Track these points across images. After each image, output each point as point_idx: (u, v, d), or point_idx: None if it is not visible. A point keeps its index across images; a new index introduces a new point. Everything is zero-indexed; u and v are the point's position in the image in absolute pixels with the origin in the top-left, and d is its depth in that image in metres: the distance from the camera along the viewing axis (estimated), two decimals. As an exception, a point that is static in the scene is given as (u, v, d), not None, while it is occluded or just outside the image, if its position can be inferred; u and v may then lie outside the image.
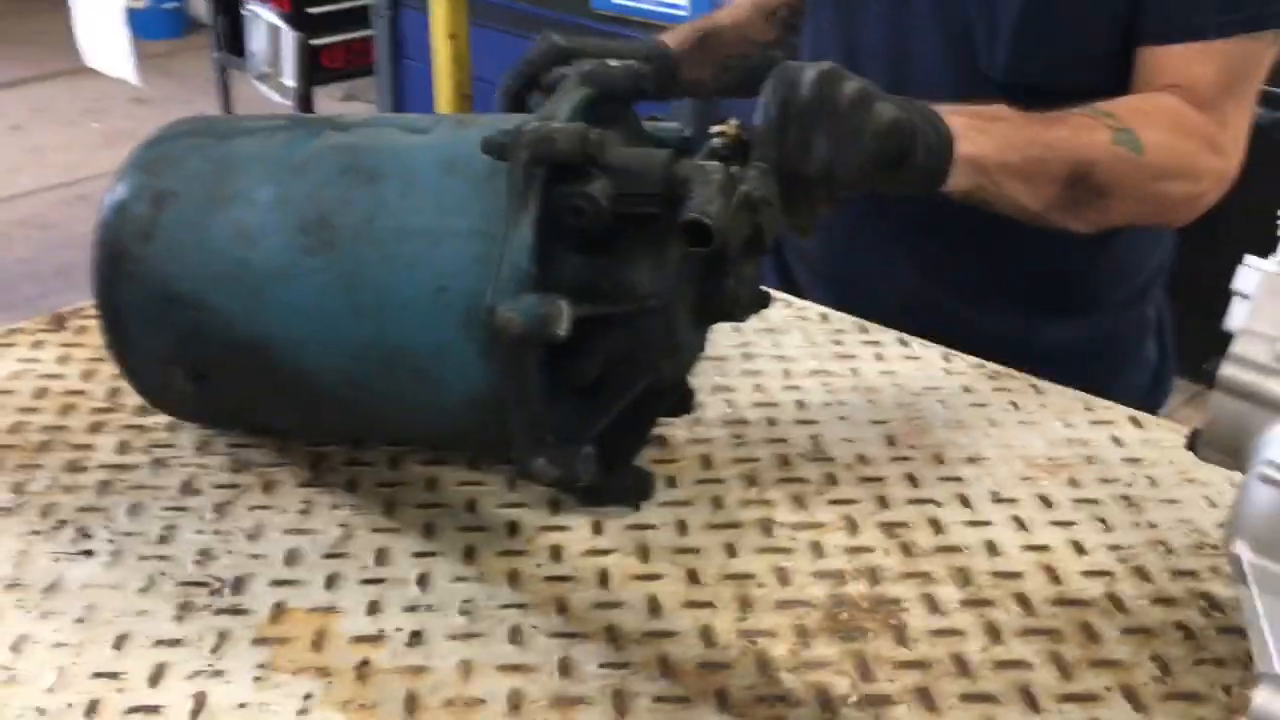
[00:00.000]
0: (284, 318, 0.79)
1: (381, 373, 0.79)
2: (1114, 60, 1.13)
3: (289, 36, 3.67)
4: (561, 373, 0.77)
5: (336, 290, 0.78)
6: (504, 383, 0.74)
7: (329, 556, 0.80)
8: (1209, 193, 1.07)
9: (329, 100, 5.05)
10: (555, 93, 0.80)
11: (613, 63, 0.83)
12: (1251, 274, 0.65)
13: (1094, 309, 1.26)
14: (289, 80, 3.71)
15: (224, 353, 0.82)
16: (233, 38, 3.92)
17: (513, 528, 0.84)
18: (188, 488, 0.87)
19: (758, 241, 0.79)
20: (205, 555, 0.80)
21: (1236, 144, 1.09)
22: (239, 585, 0.77)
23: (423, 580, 0.78)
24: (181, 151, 0.85)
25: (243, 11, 3.81)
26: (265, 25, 3.74)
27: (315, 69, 3.78)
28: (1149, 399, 1.27)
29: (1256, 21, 1.07)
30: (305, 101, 3.78)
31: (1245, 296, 0.65)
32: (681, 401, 0.92)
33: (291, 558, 0.80)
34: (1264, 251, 0.66)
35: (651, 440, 0.92)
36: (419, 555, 0.81)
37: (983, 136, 0.93)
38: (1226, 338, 0.66)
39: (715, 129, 0.84)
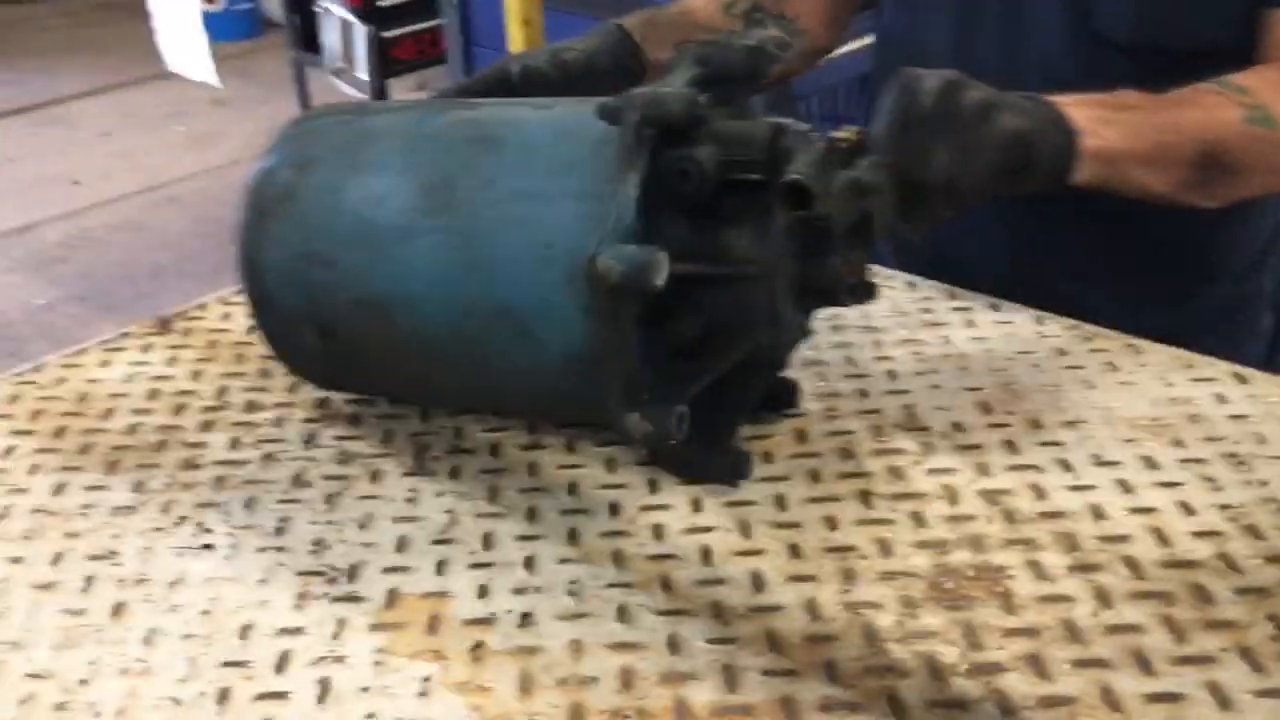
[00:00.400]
0: (403, 275, 0.83)
1: (487, 329, 0.81)
2: (1240, 20, 1.08)
3: (360, 31, 3.72)
4: (660, 331, 0.79)
5: (452, 248, 0.81)
6: (603, 336, 0.76)
7: (437, 543, 0.82)
8: None
9: (402, 92, 5.12)
10: (670, 70, 0.83)
11: (736, 42, 0.84)
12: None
13: (1208, 283, 1.22)
14: (362, 74, 3.77)
15: (350, 309, 0.85)
16: (306, 35, 3.98)
17: (614, 509, 0.85)
18: (298, 480, 0.90)
19: (865, 229, 0.79)
20: (319, 545, 0.82)
21: None
22: (353, 573, 0.80)
23: (529, 563, 0.80)
24: (326, 126, 0.92)
25: (315, 9, 3.87)
26: (337, 21, 3.79)
27: (387, 61, 3.83)
28: (1265, 370, 1.24)
29: None
30: (379, 94, 3.83)
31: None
32: (787, 397, 0.93)
33: (401, 545, 0.82)
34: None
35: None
36: (524, 539, 0.83)
37: (1110, 129, 0.91)
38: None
39: (836, 134, 0.84)
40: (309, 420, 0.97)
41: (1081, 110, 0.89)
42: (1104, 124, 0.90)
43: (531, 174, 0.81)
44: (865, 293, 0.86)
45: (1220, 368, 0.99)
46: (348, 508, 0.86)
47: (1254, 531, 0.80)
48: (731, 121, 0.80)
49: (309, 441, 0.95)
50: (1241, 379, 0.97)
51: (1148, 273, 1.20)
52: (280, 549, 0.82)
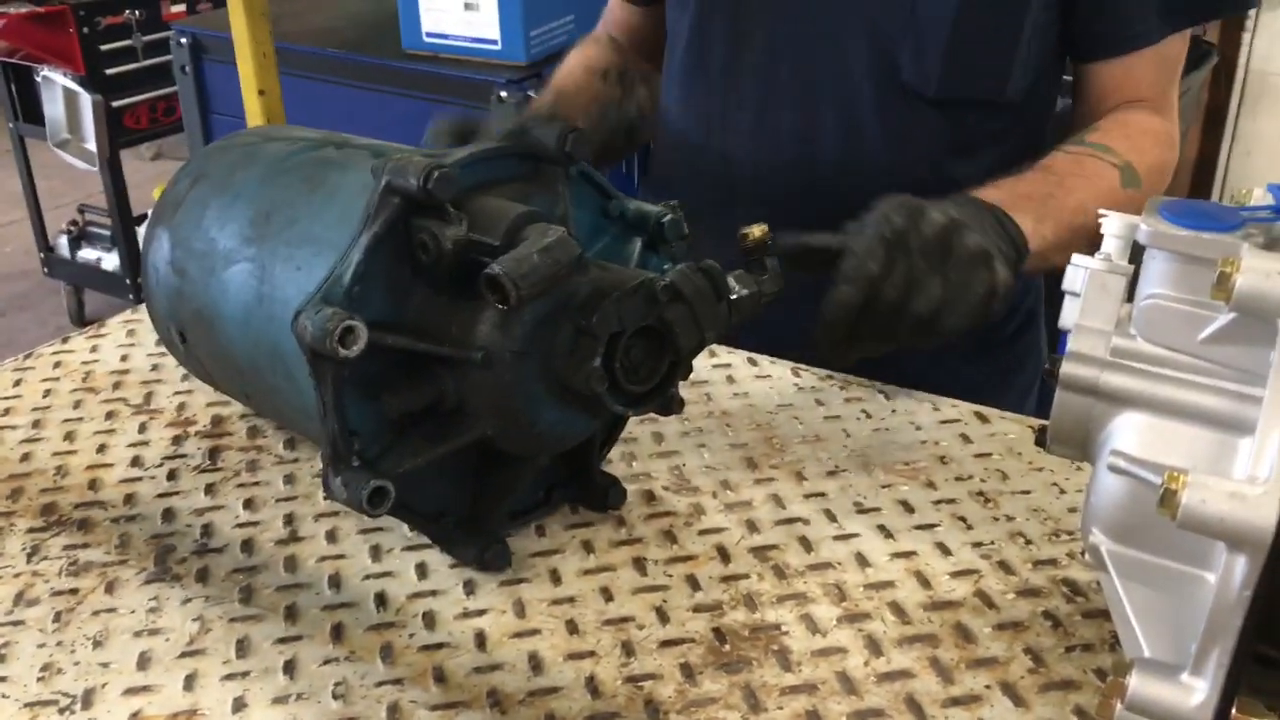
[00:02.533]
0: (220, 298, 0.85)
1: (269, 364, 0.81)
2: (1041, 71, 1.18)
3: (86, 100, 3.51)
4: (381, 400, 0.76)
5: (253, 280, 0.82)
6: (316, 393, 0.73)
7: (185, 655, 0.76)
8: (1169, 180, 1.18)
9: (138, 161, 4.86)
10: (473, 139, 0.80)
11: (553, 123, 0.81)
12: (1079, 272, 0.68)
13: (987, 346, 1.29)
14: (90, 145, 3.55)
15: (193, 317, 0.88)
16: (27, 106, 3.73)
17: (380, 599, 0.81)
18: (22, 599, 0.81)
19: (658, 339, 0.78)
20: (48, 670, 0.74)
21: (1178, 123, 1.19)
22: (88, 699, 0.72)
23: (289, 667, 0.75)
24: (232, 145, 0.95)
25: (36, 79, 3.63)
26: (61, 90, 3.56)
27: (119, 130, 3.62)
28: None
29: (1187, 18, 1.16)
30: (112, 166, 3.62)
31: (1075, 295, 0.68)
32: (612, 498, 0.90)
33: (143, 661, 0.75)
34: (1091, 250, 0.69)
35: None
36: (283, 641, 0.77)
37: (1044, 226, 1.00)
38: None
39: (743, 230, 0.84)
40: (33, 530, 0.88)
41: (1024, 218, 0.98)
42: (1039, 222, 1.00)
43: (324, 220, 0.80)
44: (658, 403, 0.81)
45: (962, 408, 1.04)
46: (80, 625, 0.79)
47: (1006, 567, 0.83)
48: (493, 200, 0.77)
49: (34, 554, 0.86)
50: (982, 418, 1.03)
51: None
52: (1, 679, 0.74)
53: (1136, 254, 0.67)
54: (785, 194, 1.21)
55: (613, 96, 1.32)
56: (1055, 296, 1.37)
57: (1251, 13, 3.35)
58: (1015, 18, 1.13)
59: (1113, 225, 0.68)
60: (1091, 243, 1.04)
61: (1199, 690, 0.58)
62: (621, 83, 1.33)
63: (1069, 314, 0.68)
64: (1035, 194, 1.03)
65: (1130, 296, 0.67)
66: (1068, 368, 0.66)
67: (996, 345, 1.30)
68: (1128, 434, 0.64)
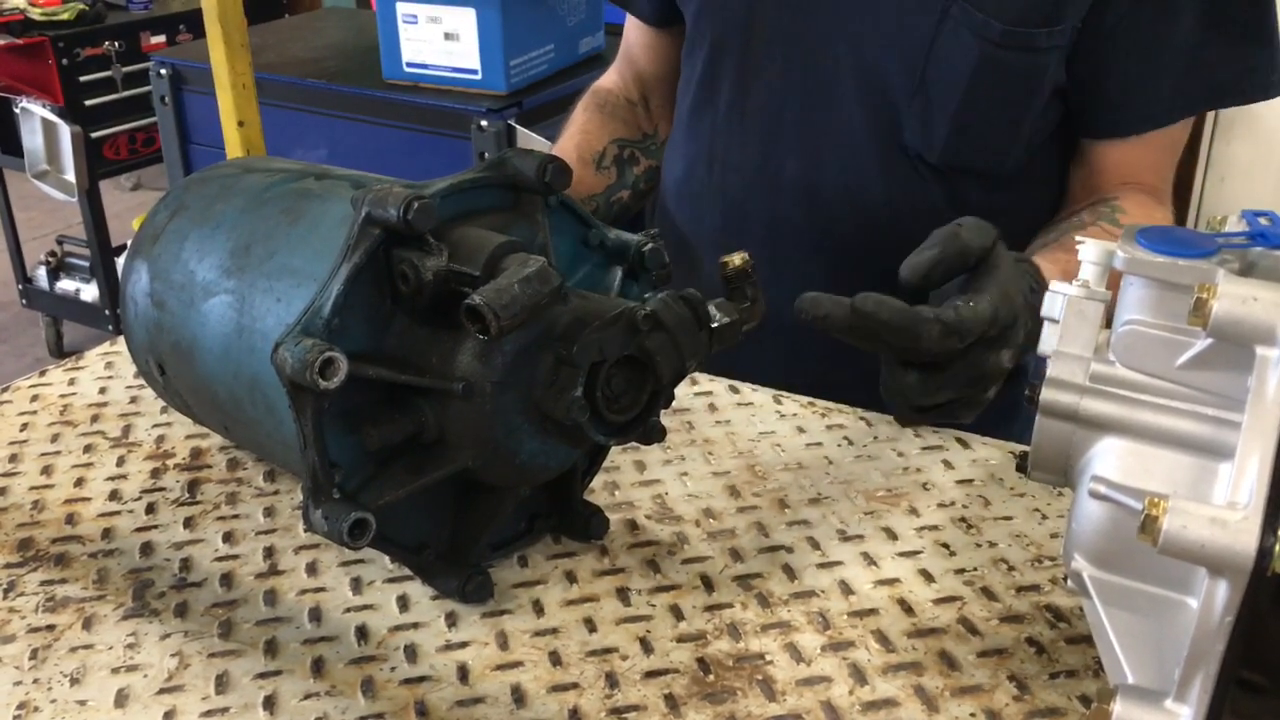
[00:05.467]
0: (200, 331, 0.84)
1: (248, 396, 0.81)
2: (1049, 144, 1.17)
3: (65, 131, 3.50)
4: (362, 431, 0.75)
5: (233, 312, 0.82)
6: (296, 425, 0.72)
7: (163, 691, 0.75)
8: None
9: (118, 191, 4.85)
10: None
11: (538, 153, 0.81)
12: (1057, 299, 0.68)
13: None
14: (69, 176, 3.54)
15: (171, 350, 0.88)
16: (6, 137, 3.72)
17: (362, 632, 0.80)
18: (-3, 636, 0.80)
19: (639, 368, 0.77)
20: (24, 709, 0.73)
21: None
22: (65, 738, 0.71)
23: (269, 703, 0.74)
24: (212, 177, 0.94)
25: (15, 110, 3.62)
26: (39, 121, 3.56)
27: (98, 161, 3.62)
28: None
29: (1200, 104, 1.16)
30: (92, 196, 3.60)
31: (1054, 321, 0.68)
32: (595, 529, 0.89)
33: (121, 699, 0.74)
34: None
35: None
36: (262, 676, 0.76)
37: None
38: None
39: (723, 258, 0.83)
40: (9, 566, 0.87)
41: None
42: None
43: (304, 252, 0.80)
44: (639, 433, 0.80)
45: (944, 434, 1.04)
46: (57, 661, 0.78)
47: (989, 593, 0.83)
48: (473, 229, 0.76)
49: (10, 590, 0.85)
50: (964, 444, 1.03)
51: None
52: (-24, 719, 0.73)
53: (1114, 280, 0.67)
54: (787, 238, 1.22)
55: (604, 183, 1.32)
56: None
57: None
58: (1027, 94, 1.12)
59: (1090, 252, 0.69)
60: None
61: (1183, 716, 0.58)
62: (617, 164, 1.32)
63: (1048, 340, 0.68)
64: (1065, 261, 1.02)
65: (1109, 322, 0.68)
66: (1047, 394, 0.66)
67: None
68: (1108, 460, 0.65)
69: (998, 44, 1.09)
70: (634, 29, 1.39)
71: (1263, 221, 0.66)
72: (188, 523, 0.93)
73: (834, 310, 0.85)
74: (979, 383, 0.89)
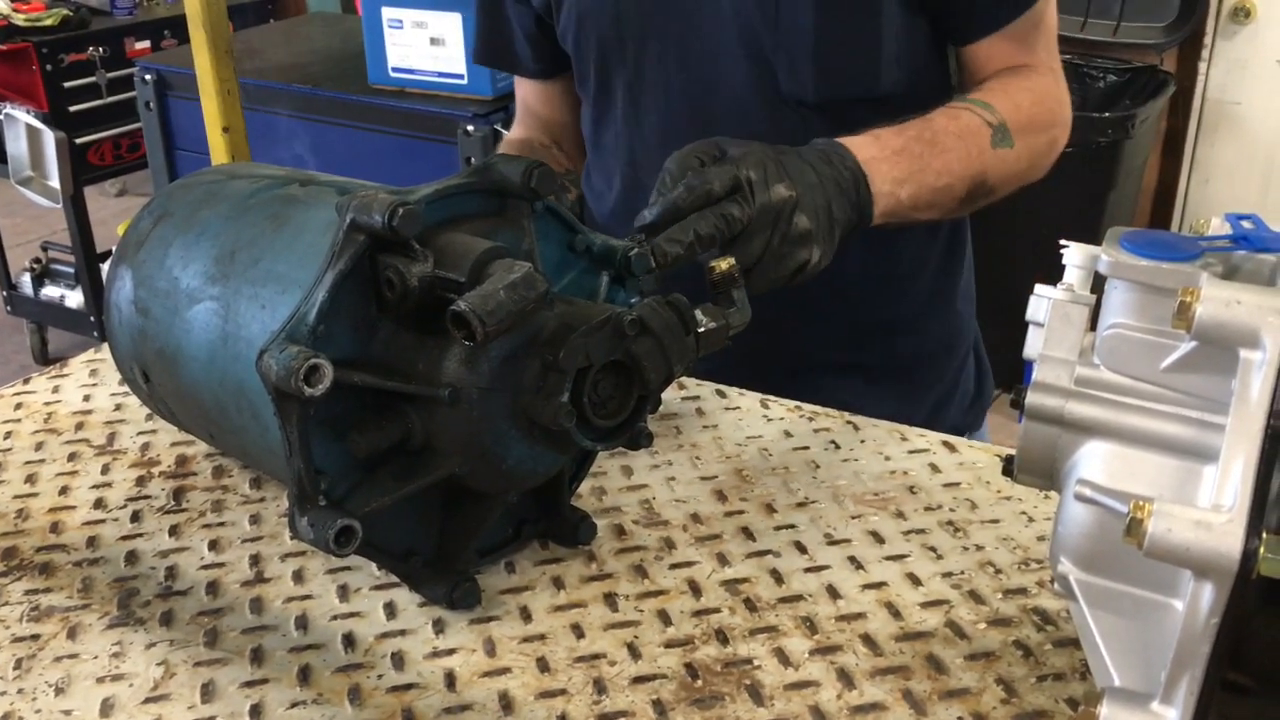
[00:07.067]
0: (184, 338, 0.84)
1: (234, 403, 0.81)
2: (923, 63, 1.20)
3: (49, 137, 3.48)
4: (348, 438, 0.75)
5: (218, 318, 0.81)
6: (281, 432, 0.72)
7: (149, 701, 0.74)
8: (1060, 139, 1.20)
9: (103, 197, 4.83)
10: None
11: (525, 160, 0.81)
12: (1042, 302, 0.68)
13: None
14: (54, 182, 3.52)
15: (155, 357, 0.88)
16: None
17: (349, 640, 0.80)
18: (-20, 646, 0.80)
19: (625, 373, 0.77)
20: (9, 719, 0.73)
21: (1065, 83, 1.23)
22: (50, 748, 0.71)
23: (256, 712, 0.73)
24: (196, 183, 0.94)
25: (-1, 116, 3.60)
26: (24, 127, 3.54)
27: (82, 167, 3.60)
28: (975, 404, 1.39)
29: None
30: (77, 202, 3.59)
31: (1039, 324, 0.68)
32: (583, 534, 0.89)
33: (106, 709, 0.74)
34: (1054, 279, 0.69)
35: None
36: (249, 685, 0.76)
37: (902, 189, 1.04)
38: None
39: (710, 263, 0.84)
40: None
41: (885, 179, 1.02)
42: (899, 184, 1.03)
43: (289, 258, 0.80)
44: (626, 438, 0.81)
45: (931, 438, 1.05)
46: (41, 671, 0.77)
47: (976, 597, 0.83)
48: (458, 235, 0.76)
49: (-7, 599, 0.84)
50: (951, 448, 1.03)
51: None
52: (-41, 730, 0.72)
53: (1099, 284, 0.67)
54: None
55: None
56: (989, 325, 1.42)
57: (1208, 42, 3.42)
58: (872, 18, 1.16)
59: (1074, 256, 0.69)
60: (967, 199, 1.11)
61: (1169, 718, 0.58)
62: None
63: (1033, 344, 0.69)
64: (907, 151, 1.06)
65: (1093, 326, 0.68)
66: (1033, 397, 0.66)
67: (933, 381, 1.34)
68: (1093, 463, 0.65)
69: None
70: (525, 87, 1.41)
71: (1246, 225, 0.66)
72: (173, 531, 0.93)
73: (670, 249, 0.89)
74: (773, 218, 0.93)
